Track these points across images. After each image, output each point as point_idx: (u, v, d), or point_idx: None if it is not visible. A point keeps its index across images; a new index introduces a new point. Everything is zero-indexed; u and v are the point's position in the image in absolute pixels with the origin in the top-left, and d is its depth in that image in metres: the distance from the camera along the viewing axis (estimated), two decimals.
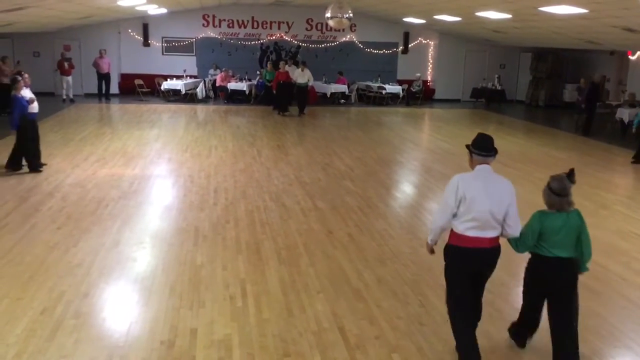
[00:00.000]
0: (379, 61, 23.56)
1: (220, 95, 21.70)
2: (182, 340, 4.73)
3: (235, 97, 21.34)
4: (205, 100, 21.63)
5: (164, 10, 20.39)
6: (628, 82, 19.79)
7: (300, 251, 6.84)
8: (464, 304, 4.36)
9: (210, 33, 22.58)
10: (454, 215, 4.26)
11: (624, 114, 16.19)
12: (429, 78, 24.38)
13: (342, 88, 22.00)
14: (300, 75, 18.69)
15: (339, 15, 13.07)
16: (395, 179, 11.12)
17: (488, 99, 22.94)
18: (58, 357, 4.42)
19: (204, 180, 10.00)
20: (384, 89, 21.96)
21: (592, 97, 16.38)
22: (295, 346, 4.69)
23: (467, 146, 4.47)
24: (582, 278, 6.09)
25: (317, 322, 5.10)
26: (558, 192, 4.28)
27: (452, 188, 4.23)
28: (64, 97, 19.84)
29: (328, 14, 13.35)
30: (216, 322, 5.05)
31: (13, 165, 10.27)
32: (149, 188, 9.53)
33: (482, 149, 4.33)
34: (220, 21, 22.63)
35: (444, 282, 5.72)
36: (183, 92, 20.68)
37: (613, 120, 16.95)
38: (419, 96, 22.80)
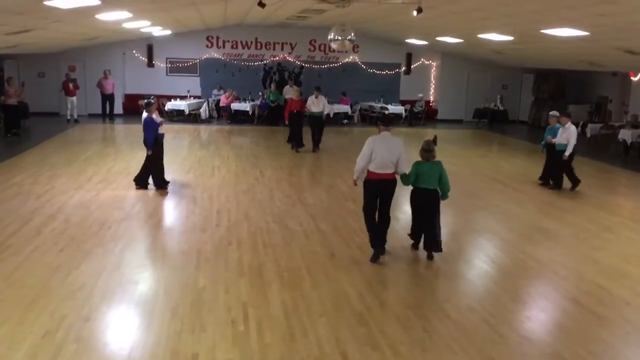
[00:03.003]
0: (381, 81, 23.65)
1: (223, 115, 21.80)
2: None
3: (238, 118, 21.44)
4: (209, 120, 21.73)
5: (168, 32, 20.57)
6: (630, 103, 19.82)
7: (303, 274, 6.82)
8: (372, 211, 7.32)
9: (214, 54, 22.76)
10: (370, 162, 7.11)
11: (627, 135, 16.19)
12: (432, 98, 24.46)
13: (345, 108, 22.08)
14: (314, 103, 15.58)
15: (342, 37, 13.16)
16: (398, 201, 11.05)
17: (490, 120, 22.96)
18: None
19: (207, 202, 10.01)
20: (387, 109, 22.00)
21: None
22: None
23: (376, 121, 7.48)
24: (586, 302, 6.08)
25: (320, 347, 5.07)
26: (426, 149, 7.35)
27: (368, 145, 7.19)
28: (69, 117, 19.94)
29: (331, 37, 13.44)
30: (218, 346, 5.02)
31: (142, 184, 10.71)
32: (151, 209, 9.53)
33: (384, 122, 7.47)
34: (224, 42, 22.81)
35: (446, 307, 5.80)
36: (187, 112, 20.78)
37: (616, 141, 16.93)
38: (422, 116, 22.87)
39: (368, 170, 7.22)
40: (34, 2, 8.69)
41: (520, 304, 6.23)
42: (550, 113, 12.19)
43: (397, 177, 7.28)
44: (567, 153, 11.23)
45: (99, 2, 9.52)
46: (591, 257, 7.76)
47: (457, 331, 5.48)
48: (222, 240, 7.94)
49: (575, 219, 9.64)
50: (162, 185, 10.80)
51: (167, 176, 12.01)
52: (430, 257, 7.42)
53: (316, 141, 15.76)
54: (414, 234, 7.74)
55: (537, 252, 7.83)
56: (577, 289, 6.62)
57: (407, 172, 7.28)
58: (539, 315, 5.97)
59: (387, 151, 7.12)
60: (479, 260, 7.63)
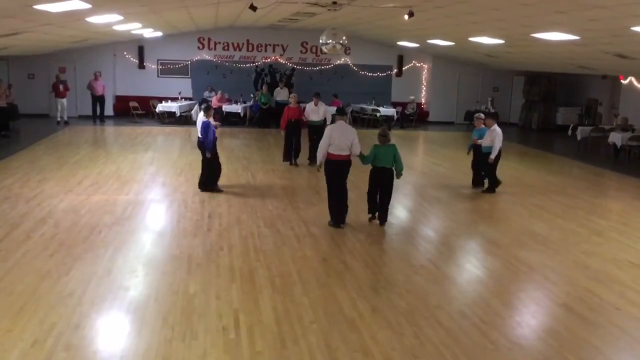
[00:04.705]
0: (373, 84, 23.70)
1: (215, 117, 21.71)
2: None
3: (229, 120, 21.40)
4: None
5: (159, 34, 20.51)
6: (620, 105, 19.95)
7: (294, 279, 6.81)
8: (333, 188, 8.93)
9: (206, 56, 22.72)
10: (330, 146, 8.71)
11: (617, 138, 16.30)
12: (423, 100, 24.52)
13: None
14: (314, 111, 14.02)
15: (333, 41, 13.14)
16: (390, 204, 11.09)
17: None
18: None
19: (198, 205, 9.97)
20: (379, 111, 22.06)
21: None
22: None
23: (333, 115, 10.10)
24: (577, 308, 6.10)
25: (311, 354, 5.05)
26: (382, 134, 8.97)
27: (327, 132, 8.82)
28: (59, 119, 19.84)
29: (322, 41, 13.41)
30: (209, 354, 4.99)
31: (208, 187, 10.96)
32: (142, 213, 9.49)
33: (339, 113, 9.40)
34: (215, 44, 22.78)
35: (438, 313, 5.80)
36: (178, 114, 20.72)
37: (606, 144, 17.03)
38: (413, 118, 22.92)
39: (328, 153, 8.78)
40: (24, 6, 8.63)
41: (511, 310, 6.25)
42: (475, 115, 12.58)
43: (352, 158, 8.91)
44: (492, 156, 11.38)
45: (89, 6, 9.47)
46: (582, 261, 7.80)
47: (448, 337, 5.47)
48: (214, 245, 7.92)
49: (565, 223, 9.68)
50: (216, 189, 10.97)
51: (159, 179, 12.01)
52: (382, 224, 9.11)
53: (314, 154, 13.04)
54: (370, 207, 9.24)
55: (527, 257, 7.85)
56: (567, 294, 6.64)
57: (361, 153, 8.91)
58: (529, 321, 5.98)
59: (343, 136, 8.75)
60: (470, 265, 7.65)
